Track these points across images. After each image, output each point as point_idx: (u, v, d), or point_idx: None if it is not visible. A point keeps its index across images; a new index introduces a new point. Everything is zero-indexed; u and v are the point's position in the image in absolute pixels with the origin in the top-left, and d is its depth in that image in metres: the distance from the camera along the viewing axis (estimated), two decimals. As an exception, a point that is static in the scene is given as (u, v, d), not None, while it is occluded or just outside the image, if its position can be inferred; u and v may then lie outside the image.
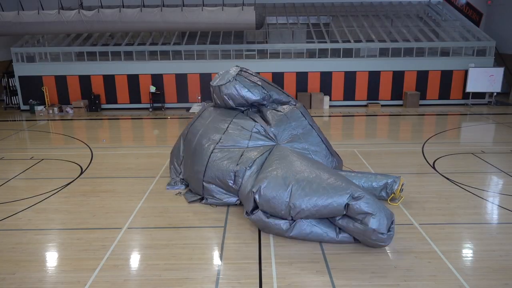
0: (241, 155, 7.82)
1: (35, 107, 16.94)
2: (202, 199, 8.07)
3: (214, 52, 17.56)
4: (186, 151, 8.95)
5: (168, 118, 15.98)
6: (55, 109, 16.94)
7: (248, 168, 7.52)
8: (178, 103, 17.59)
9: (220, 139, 8.22)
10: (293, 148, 8.12)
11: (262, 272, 5.72)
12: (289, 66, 17.25)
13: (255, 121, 8.52)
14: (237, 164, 7.63)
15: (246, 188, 7.23)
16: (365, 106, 17.56)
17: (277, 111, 8.68)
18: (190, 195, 8.26)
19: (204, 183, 7.94)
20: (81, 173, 9.84)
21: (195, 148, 8.50)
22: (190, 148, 8.72)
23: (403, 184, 7.91)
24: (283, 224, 6.43)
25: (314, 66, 17.21)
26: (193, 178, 8.29)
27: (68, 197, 8.43)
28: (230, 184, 7.60)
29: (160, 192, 8.59)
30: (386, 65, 17.22)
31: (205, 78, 17.11)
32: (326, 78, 17.33)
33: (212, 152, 8.02)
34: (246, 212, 6.95)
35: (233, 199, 7.80)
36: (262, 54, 17.84)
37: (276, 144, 8.22)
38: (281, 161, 7.24)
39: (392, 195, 7.81)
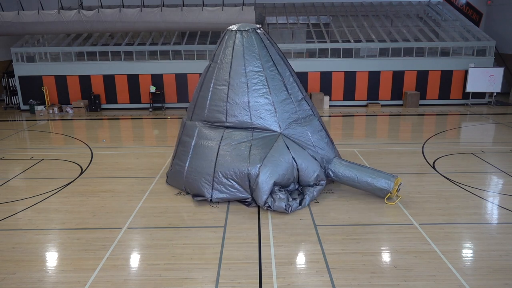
0: (250, 152, 7.92)
1: (35, 107, 16.94)
2: (211, 200, 8.01)
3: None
4: (183, 151, 8.81)
5: (168, 118, 15.98)
6: (55, 109, 16.94)
7: (259, 168, 7.69)
8: (178, 103, 17.60)
9: (222, 136, 8.22)
10: (294, 133, 8.38)
11: (262, 272, 5.72)
12: (289, 66, 17.25)
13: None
14: (249, 163, 7.77)
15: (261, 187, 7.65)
16: (365, 106, 17.56)
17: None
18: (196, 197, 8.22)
19: (215, 181, 7.94)
20: (81, 173, 9.84)
21: (195, 148, 8.45)
22: (187, 148, 8.63)
23: (400, 184, 7.92)
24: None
25: (314, 66, 17.21)
26: (195, 178, 8.20)
27: (68, 197, 8.43)
28: (247, 183, 7.79)
29: (160, 192, 8.59)
30: (386, 65, 17.22)
31: (205, 78, 17.09)
32: (326, 78, 17.33)
33: (218, 151, 8.05)
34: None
35: (244, 195, 7.87)
36: (262, 54, 17.82)
37: (279, 133, 8.29)
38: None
39: (389, 194, 7.82)
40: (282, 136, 8.26)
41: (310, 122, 8.77)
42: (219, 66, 8.62)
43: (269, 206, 7.58)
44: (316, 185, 8.20)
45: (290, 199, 7.74)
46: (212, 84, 8.62)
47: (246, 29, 8.64)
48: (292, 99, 8.63)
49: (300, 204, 7.75)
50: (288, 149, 8.05)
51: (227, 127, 8.41)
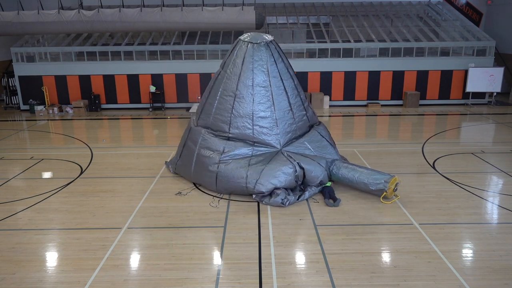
0: (248, 166, 8.05)
1: (35, 107, 16.94)
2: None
3: (214, 52, 17.56)
4: (187, 156, 8.96)
5: (168, 118, 15.97)
6: (55, 109, 16.94)
7: (256, 181, 7.89)
8: (178, 103, 17.59)
9: (224, 149, 8.30)
10: (293, 148, 8.48)
11: (262, 272, 5.72)
12: (289, 66, 17.23)
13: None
14: (247, 177, 7.95)
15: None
16: (365, 106, 17.56)
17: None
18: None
19: (217, 189, 8.29)
20: (81, 173, 9.83)
21: (197, 156, 8.59)
22: (191, 154, 8.76)
23: (397, 183, 7.93)
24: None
25: (314, 66, 17.20)
26: (199, 184, 8.54)
27: (68, 197, 8.43)
28: (244, 191, 8.05)
29: (160, 192, 8.59)
30: (386, 65, 17.21)
31: (205, 78, 17.11)
32: (326, 78, 17.33)
33: (219, 165, 8.17)
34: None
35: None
36: (262, 54, 17.80)
37: (279, 150, 8.40)
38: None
39: (384, 193, 7.83)
40: (280, 153, 8.38)
41: (309, 134, 8.91)
42: (228, 76, 8.68)
43: (265, 203, 7.85)
44: (317, 187, 8.31)
45: (290, 194, 7.90)
46: (219, 93, 8.71)
47: (258, 41, 8.61)
48: (294, 116, 8.72)
49: (298, 198, 7.92)
50: (291, 158, 8.14)
51: (229, 138, 8.49)
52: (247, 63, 8.52)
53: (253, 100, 8.41)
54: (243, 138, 8.45)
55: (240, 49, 8.73)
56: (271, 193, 7.87)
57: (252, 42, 8.62)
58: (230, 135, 8.50)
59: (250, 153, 8.31)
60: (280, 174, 7.88)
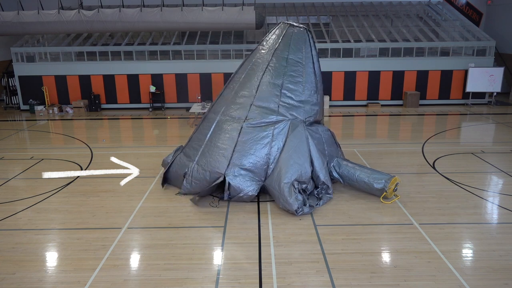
0: (273, 134, 8.19)
1: (35, 107, 16.94)
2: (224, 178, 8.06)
3: (214, 52, 17.56)
4: (206, 125, 8.85)
5: (168, 118, 15.98)
6: (55, 109, 16.94)
7: (278, 153, 8.06)
8: (178, 103, 17.60)
9: (247, 117, 8.37)
10: (311, 127, 8.67)
11: (262, 272, 5.72)
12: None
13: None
14: (271, 145, 8.10)
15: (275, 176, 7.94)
16: (365, 106, 17.56)
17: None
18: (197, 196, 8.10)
19: (232, 158, 8.01)
20: (81, 173, 9.83)
21: (218, 123, 8.59)
22: (211, 124, 8.72)
23: (397, 183, 7.93)
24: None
25: (314, 66, 17.19)
26: (213, 152, 8.25)
27: (68, 197, 8.43)
28: (264, 167, 8.00)
29: (160, 192, 8.59)
30: (386, 65, 17.22)
31: (205, 78, 17.12)
32: (326, 78, 17.30)
33: (240, 131, 8.22)
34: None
35: (257, 179, 8.01)
36: (262, 54, 17.80)
37: (301, 120, 8.52)
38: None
39: (384, 193, 7.83)
40: (303, 123, 8.45)
41: (320, 123, 9.13)
42: (263, 47, 8.94)
43: (282, 204, 7.50)
44: (328, 194, 8.11)
45: (306, 203, 7.59)
46: (251, 63, 8.89)
47: (299, 25, 8.98)
48: (318, 98, 8.95)
49: (311, 209, 7.62)
50: (307, 138, 8.24)
51: (251, 105, 8.48)
52: (285, 39, 8.78)
53: (285, 71, 8.58)
54: (267, 105, 8.45)
55: (280, 28, 9.04)
56: (291, 190, 7.48)
57: (293, 25, 8.97)
58: (255, 100, 8.49)
59: (274, 120, 8.36)
60: (301, 149, 8.00)
